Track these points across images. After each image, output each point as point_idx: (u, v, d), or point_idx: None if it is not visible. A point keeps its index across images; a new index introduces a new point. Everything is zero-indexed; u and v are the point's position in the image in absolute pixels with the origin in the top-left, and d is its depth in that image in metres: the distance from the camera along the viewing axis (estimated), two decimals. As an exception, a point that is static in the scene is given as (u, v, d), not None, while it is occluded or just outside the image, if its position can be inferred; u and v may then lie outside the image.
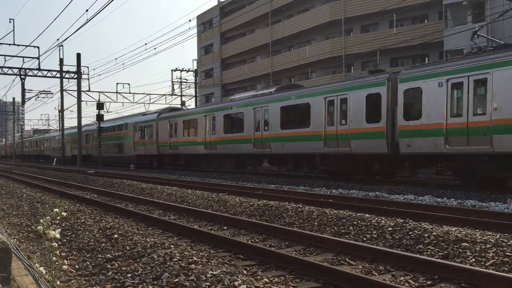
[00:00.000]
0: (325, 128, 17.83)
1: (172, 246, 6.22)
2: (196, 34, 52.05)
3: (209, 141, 25.28)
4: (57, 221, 3.76)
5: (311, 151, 18.72)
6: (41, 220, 3.58)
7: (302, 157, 19.87)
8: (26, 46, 33.97)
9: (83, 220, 8.86)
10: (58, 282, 4.08)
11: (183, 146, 28.10)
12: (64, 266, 3.82)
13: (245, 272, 5.27)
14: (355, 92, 16.70)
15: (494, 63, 12.64)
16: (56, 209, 3.72)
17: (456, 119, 13.43)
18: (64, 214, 3.68)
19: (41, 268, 3.60)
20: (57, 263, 3.75)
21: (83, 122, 41.81)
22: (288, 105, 19.86)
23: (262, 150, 21.43)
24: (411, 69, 15.64)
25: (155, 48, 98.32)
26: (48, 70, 37.28)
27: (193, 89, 51.11)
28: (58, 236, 3.61)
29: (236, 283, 4.49)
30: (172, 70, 47.71)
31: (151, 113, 33.62)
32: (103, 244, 6.80)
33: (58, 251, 3.80)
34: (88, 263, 5.95)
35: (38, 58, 35.30)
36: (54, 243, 3.60)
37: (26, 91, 39.64)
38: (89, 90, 41.08)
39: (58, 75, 38.68)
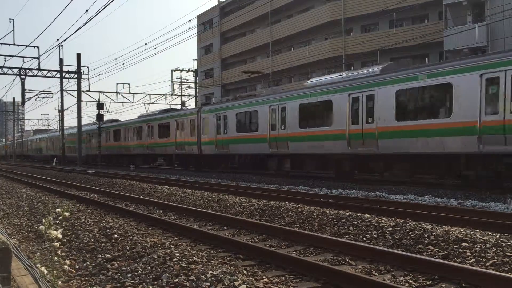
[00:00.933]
0: (176, 138, 29.37)
1: (172, 246, 6.22)
2: (196, 34, 52.05)
3: (125, 145, 37.82)
4: (59, 221, 3.75)
5: (169, 153, 30.87)
6: (43, 220, 3.57)
7: (168, 156, 32.23)
8: (26, 46, 33.97)
9: (83, 220, 8.86)
10: (60, 282, 4.08)
11: (111, 149, 40.88)
12: (65, 266, 3.81)
13: (245, 272, 5.27)
14: (185, 118, 28.51)
15: (230, 106, 24.18)
16: (59, 209, 3.72)
17: (219, 136, 24.49)
18: (67, 214, 3.68)
19: (43, 268, 3.59)
20: (58, 263, 3.75)
21: (83, 122, 41.94)
22: (160, 123, 31.63)
23: (152, 151, 33.32)
24: (205, 106, 28.08)
25: (155, 48, 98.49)
26: (48, 70, 37.28)
27: (193, 89, 51.14)
28: (59, 236, 3.61)
29: (236, 283, 4.49)
30: (172, 70, 47.75)
31: (92, 124, 46.37)
32: (103, 244, 6.80)
33: (59, 251, 3.79)
34: (88, 263, 5.96)
35: (38, 58, 35.31)
36: (56, 243, 3.59)
37: (26, 91, 39.67)
38: (89, 90, 41.10)
39: (58, 75, 38.68)
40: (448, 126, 13.53)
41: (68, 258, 6.30)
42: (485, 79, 12.69)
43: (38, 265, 3.66)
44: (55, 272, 3.63)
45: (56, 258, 3.62)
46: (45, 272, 3.60)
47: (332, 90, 17.62)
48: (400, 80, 15.01)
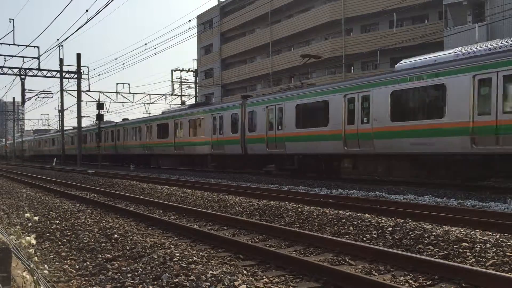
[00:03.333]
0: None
1: (172, 246, 6.22)
2: (196, 34, 52.05)
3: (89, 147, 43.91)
4: (30, 227, 3.75)
5: (139, 153, 34.45)
6: (11, 230, 3.57)
7: (135, 156, 35.90)
8: (26, 46, 33.97)
9: (83, 220, 8.86)
10: (61, 285, 4.08)
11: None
12: (45, 271, 3.78)
13: (245, 272, 5.27)
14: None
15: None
16: (27, 214, 3.72)
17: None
18: (36, 218, 3.69)
19: (24, 273, 3.57)
20: (36, 269, 3.73)
21: (83, 122, 41.98)
22: (129, 127, 36.01)
23: (125, 151, 37.46)
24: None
25: (155, 48, 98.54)
26: (48, 70, 37.26)
27: (193, 89, 51.14)
28: (33, 242, 3.57)
29: (236, 283, 4.49)
30: (172, 70, 47.77)
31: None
32: (103, 244, 6.80)
33: (36, 258, 3.76)
34: (88, 263, 5.95)
35: (38, 58, 35.28)
36: (31, 250, 3.56)
37: (26, 91, 39.64)
38: (89, 90, 41.09)
39: (58, 75, 38.68)
40: (327, 133, 17.89)
41: (68, 258, 6.31)
42: (347, 98, 16.82)
43: (19, 271, 3.64)
44: (35, 277, 3.61)
45: (32, 265, 3.60)
46: (28, 278, 3.58)
47: (258, 102, 22.36)
48: (299, 96, 19.47)
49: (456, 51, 14.26)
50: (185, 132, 28.27)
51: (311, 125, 18.55)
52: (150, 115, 38.28)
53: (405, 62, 15.77)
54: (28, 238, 3.48)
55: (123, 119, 41.05)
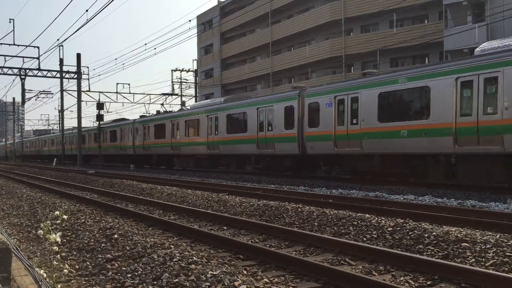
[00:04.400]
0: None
1: (172, 246, 6.22)
2: (196, 34, 52.05)
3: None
4: (58, 224, 3.75)
5: (85, 153, 43.04)
6: (42, 225, 3.57)
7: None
8: (26, 46, 33.96)
9: (83, 220, 8.86)
10: (59, 286, 4.07)
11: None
12: (64, 270, 3.79)
13: (245, 272, 5.27)
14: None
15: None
16: (57, 212, 3.72)
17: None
18: (65, 217, 3.68)
19: (42, 271, 3.58)
20: (57, 266, 3.74)
21: (83, 122, 42.02)
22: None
23: (75, 152, 44.89)
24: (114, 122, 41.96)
25: (155, 48, 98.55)
26: (48, 70, 37.26)
27: (193, 89, 51.14)
28: (58, 240, 3.60)
29: (236, 283, 4.49)
30: (172, 70, 47.76)
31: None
32: (103, 244, 6.80)
33: (59, 255, 3.79)
34: (88, 263, 5.95)
35: (38, 58, 35.28)
36: (55, 247, 3.58)
37: (26, 91, 39.63)
38: (89, 90, 41.07)
39: (58, 75, 38.68)
40: (165, 143, 30.14)
41: (68, 258, 6.30)
42: (185, 121, 27.85)
43: (37, 269, 3.64)
44: (54, 275, 3.62)
45: (55, 262, 3.61)
46: (44, 275, 3.58)
47: (144, 121, 34.63)
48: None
49: (213, 100, 27.57)
50: (123, 139, 38.65)
51: (157, 138, 31.30)
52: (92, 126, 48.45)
53: (196, 103, 29.97)
54: (54, 236, 3.50)
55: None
